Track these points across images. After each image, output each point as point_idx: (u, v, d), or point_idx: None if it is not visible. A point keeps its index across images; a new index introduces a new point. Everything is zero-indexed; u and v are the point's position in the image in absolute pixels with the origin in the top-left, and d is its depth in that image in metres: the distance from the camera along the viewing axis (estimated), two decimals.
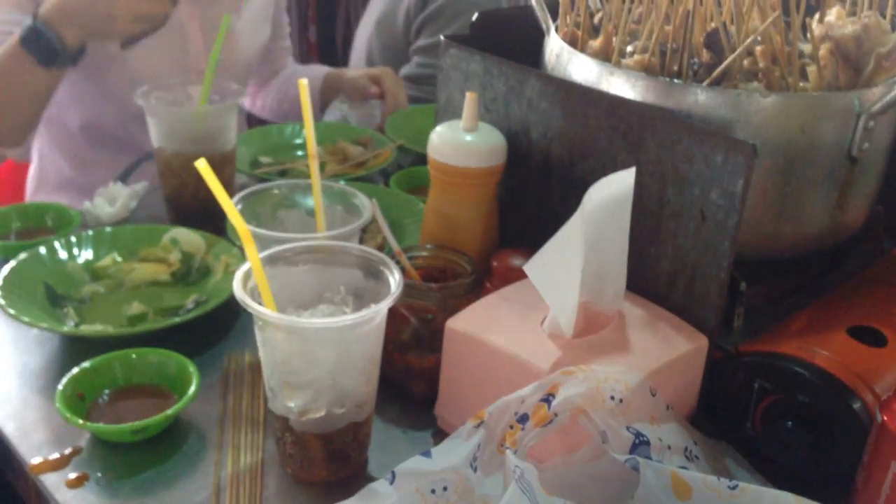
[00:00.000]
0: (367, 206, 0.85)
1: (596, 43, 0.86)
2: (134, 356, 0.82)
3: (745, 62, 0.81)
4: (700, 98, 0.78)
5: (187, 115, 1.09)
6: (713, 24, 0.84)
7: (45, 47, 1.18)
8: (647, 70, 0.82)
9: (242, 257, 0.99)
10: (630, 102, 0.80)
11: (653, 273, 0.83)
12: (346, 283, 0.76)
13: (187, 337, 0.90)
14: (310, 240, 0.77)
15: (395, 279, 0.72)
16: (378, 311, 0.69)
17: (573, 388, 0.69)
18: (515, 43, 0.99)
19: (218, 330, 0.94)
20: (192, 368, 0.80)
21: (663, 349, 0.76)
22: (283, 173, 1.24)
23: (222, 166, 1.12)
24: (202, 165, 0.70)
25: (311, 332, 0.68)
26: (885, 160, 0.87)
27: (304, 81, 0.82)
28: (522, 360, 0.74)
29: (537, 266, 0.74)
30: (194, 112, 1.09)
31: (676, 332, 0.78)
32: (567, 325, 0.74)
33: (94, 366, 0.81)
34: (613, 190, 0.74)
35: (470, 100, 0.88)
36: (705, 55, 0.80)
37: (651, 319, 0.80)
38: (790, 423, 0.75)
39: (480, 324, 0.78)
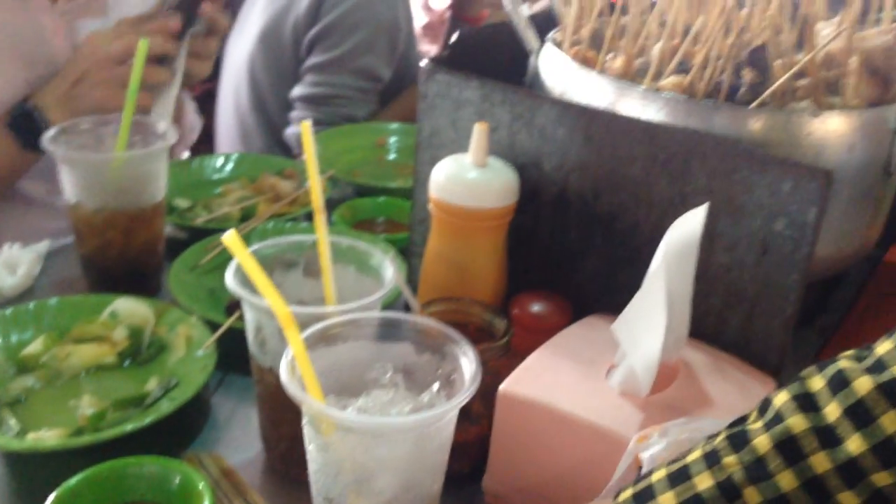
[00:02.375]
0: (384, 265, 0.73)
1: (617, 63, 0.79)
2: (128, 468, 0.66)
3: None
4: (751, 121, 0.73)
5: (112, 163, 0.92)
6: (731, 40, 0.79)
7: (33, 131, 1.03)
8: (688, 92, 0.75)
9: (203, 326, 0.85)
10: (673, 129, 0.73)
11: (701, 310, 0.76)
12: (393, 359, 0.65)
13: (155, 436, 0.74)
14: (343, 313, 0.65)
15: (469, 359, 0.61)
16: (468, 396, 0.58)
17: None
18: (495, 63, 0.90)
19: (189, 423, 0.80)
20: (202, 485, 0.65)
21: (744, 399, 0.69)
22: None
23: (153, 220, 0.96)
24: (231, 238, 0.56)
25: (391, 432, 0.57)
26: None
27: (308, 123, 0.69)
28: (602, 428, 0.65)
29: (624, 324, 0.65)
30: (119, 159, 0.92)
31: (746, 376, 0.72)
32: (647, 384, 0.67)
33: (75, 487, 0.64)
34: (685, 230, 0.67)
35: (480, 132, 0.78)
36: (748, 73, 0.74)
37: (716, 364, 0.73)
38: None
39: (541, 386, 0.69)
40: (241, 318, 0.74)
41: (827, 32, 0.83)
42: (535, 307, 0.82)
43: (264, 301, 0.60)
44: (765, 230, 0.71)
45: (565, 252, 0.83)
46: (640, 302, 0.66)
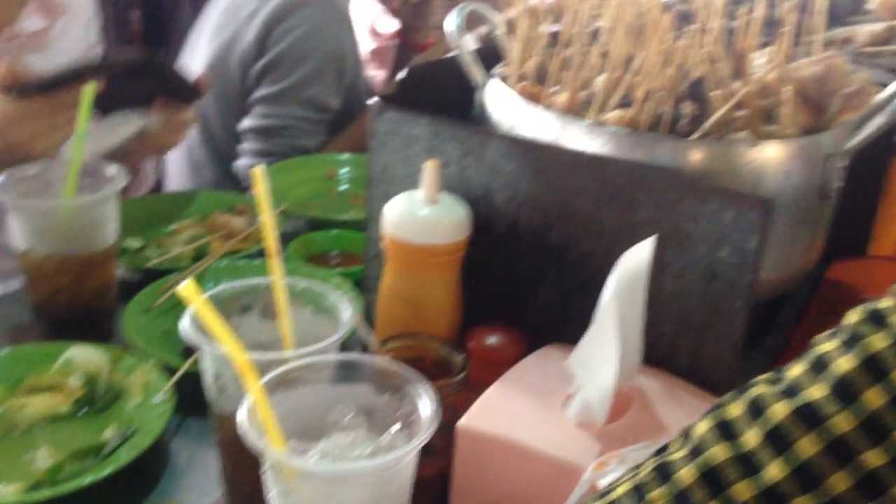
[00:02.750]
0: (341, 305, 0.74)
1: (562, 98, 0.80)
2: None
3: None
4: (692, 153, 0.75)
5: (62, 209, 0.91)
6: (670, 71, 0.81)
7: None
8: (632, 125, 0.77)
9: (159, 370, 0.85)
10: (619, 162, 0.75)
11: (653, 337, 0.78)
12: (353, 400, 0.65)
13: (115, 485, 0.74)
14: (301, 357, 0.65)
15: (427, 400, 0.62)
16: (426, 438, 0.59)
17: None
18: (444, 98, 0.92)
19: (148, 471, 0.79)
20: None
21: None
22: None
23: (105, 264, 0.95)
24: (187, 289, 0.56)
25: (351, 476, 0.57)
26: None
27: (260, 169, 0.70)
28: (560, 459, 0.67)
29: (578, 356, 0.67)
30: (69, 205, 0.91)
31: (698, 400, 0.74)
32: (602, 413, 0.68)
33: None
34: (634, 263, 0.68)
35: (430, 169, 0.80)
36: (688, 106, 0.76)
37: (669, 390, 0.75)
38: None
39: (499, 420, 0.70)
40: (197, 361, 0.74)
41: (761, 62, 0.86)
42: (491, 340, 0.83)
43: (222, 349, 0.60)
44: (710, 258, 0.73)
45: (519, 284, 0.84)
46: (593, 334, 0.68)
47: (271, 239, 0.70)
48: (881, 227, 1.06)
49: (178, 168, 1.75)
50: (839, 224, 0.91)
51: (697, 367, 0.77)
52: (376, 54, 2.04)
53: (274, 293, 0.71)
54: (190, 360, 0.81)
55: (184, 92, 1.12)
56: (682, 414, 0.72)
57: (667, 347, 0.78)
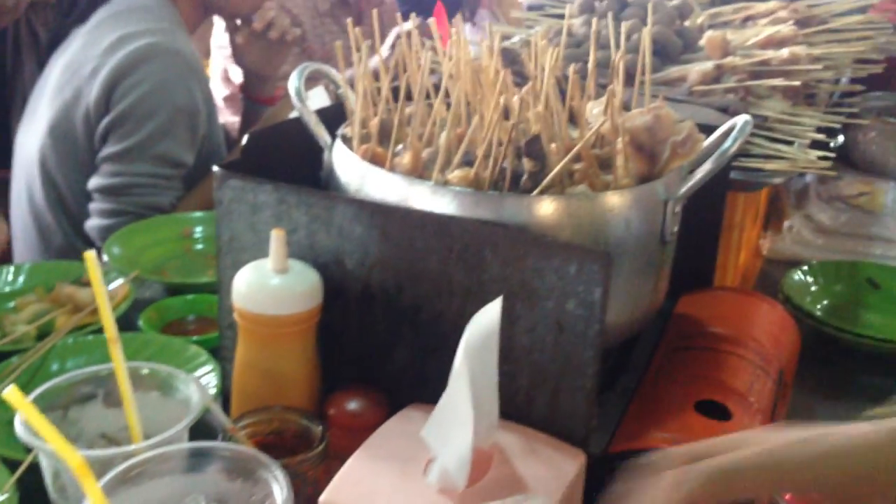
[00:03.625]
0: (189, 386, 0.71)
1: (405, 159, 0.81)
2: None
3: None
4: (535, 208, 0.77)
5: None
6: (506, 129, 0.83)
7: None
8: (474, 184, 0.78)
9: (1, 466, 0.80)
10: (464, 221, 0.76)
11: (509, 391, 0.79)
12: (205, 489, 0.63)
13: None
14: (147, 449, 0.63)
15: (280, 484, 0.60)
16: None
17: None
18: (292, 160, 0.91)
19: None
20: None
21: (557, 477, 0.72)
22: None
23: None
24: (12, 395, 0.53)
25: None
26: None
27: (91, 253, 0.67)
28: None
29: (433, 426, 0.67)
30: None
31: (557, 452, 0.75)
32: (462, 477, 0.68)
33: None
34: (484, 324, 0.69)
35: (277, 239, 0.78)
36: (527, 163, 0.78)
37: (528, 444, 0.76)
38: None
39: (360, 493, 0.69)
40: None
41: (597, 111, 0.89)
42: (352, 405, 0.82)
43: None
44: (558, 311, 0.75)
45: (376, 346, 0.84)
46: (447, 399, 0.68)
47: (109, 326, 0.68)
48: (723, 258, 1.11)
49: (25, 234, 1.67)
50: (685, 259, 0.94)
51: (554, 418, 0.78)
52: (231, 100, 2.01)
53: (117, 382, 0.69)
54: (31, 457, 0.77)
55: None
56: (541, 467, 0.73)
57: (524, 400, 0.79)
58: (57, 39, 1.68)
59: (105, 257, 1.24)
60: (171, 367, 0.73)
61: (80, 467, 0.56)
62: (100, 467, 0.59)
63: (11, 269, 1.18)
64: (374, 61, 0.93)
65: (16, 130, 1.73)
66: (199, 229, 1.35)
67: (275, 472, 0.61)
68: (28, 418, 0.57)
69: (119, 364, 0.68)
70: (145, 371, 0.72)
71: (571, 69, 0.82)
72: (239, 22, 1.76)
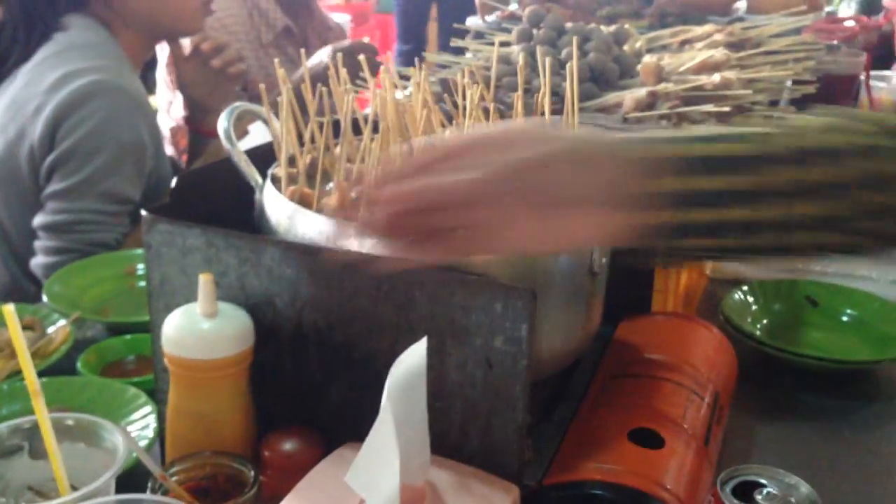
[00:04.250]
0: (116, 436, 0.71)
1: (332, 200, 0.81)
2: None
3: None
4: None
5: None
6: None
7: None
8: None
9: None
10: (393, 260, 0.76)
11: (443, 427, 0.79)
12: None
13: None
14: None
15: None
16: None
17: None
18: (224, 201, 0.91)
19: None
20: None
21: None
22: None
23: None
24: None
25: None
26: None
27: (10, 308, 0.66)
28: None
29: (358, 471, 0.67)
30: None
31: (490, 487, 0.76)
32: None
33: None
34: (410, 364, 0.69)
35: (205, 283, 0.78)
36: None
37: (460, 481, 0.76)
38: None
39: None
40: None
41: None
42: (287, 445, 0.82)
43: None
44: (487, 347, 0.75)
45: (311, 385, 0.84)
46: (372, 443, 0.68)
47: (32, 380, 0.67)
48: (663, 282, 1.12)
49: None
50: (623, 285, 0.95)
51: (487, 453, 0.78)
52: (176, 133, 2.00)
53: (42, 435, 0.68)
54: None
55: None
56: (474, 503, 0.73)
57: (457, 436, 0.79)
58: None
59: (45, 297, 1.23)
60: (96, 417, 0.73)
61: None
62: None
63: None
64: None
65: None
66: (141, 267, 1.34)
67: None
68: None
69: (42, 417, 0.67)
70: (70, 422, 0.72)
71: (492, 106, 0.83)
72: (187, 45, 1.76)
